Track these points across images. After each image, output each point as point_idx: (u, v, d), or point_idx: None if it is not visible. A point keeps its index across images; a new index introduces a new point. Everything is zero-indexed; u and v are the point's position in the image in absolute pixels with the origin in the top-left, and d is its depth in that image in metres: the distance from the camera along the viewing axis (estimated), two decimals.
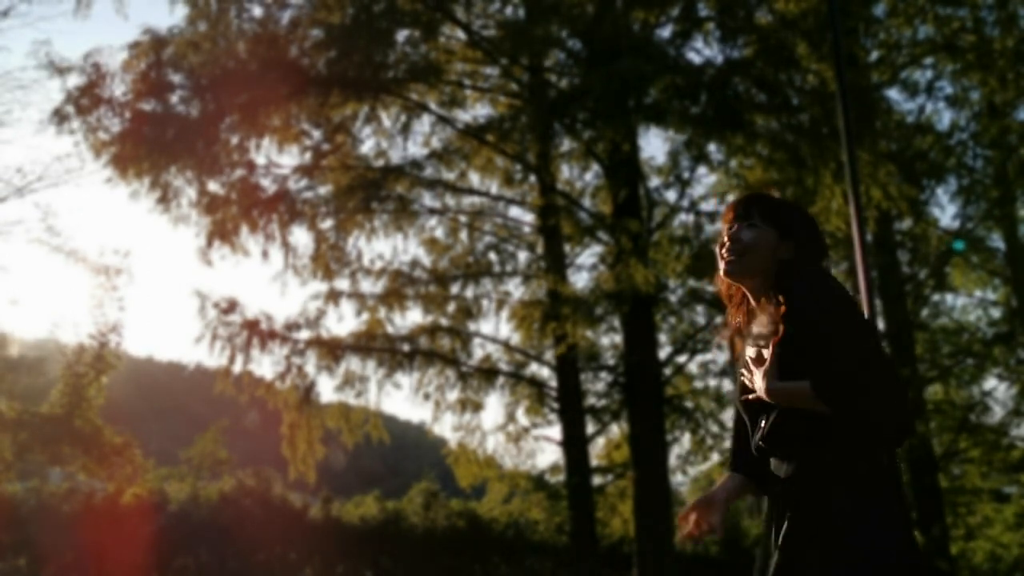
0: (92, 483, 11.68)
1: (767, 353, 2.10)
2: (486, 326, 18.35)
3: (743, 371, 2.23)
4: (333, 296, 12.37)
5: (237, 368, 11.81)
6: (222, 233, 11.59)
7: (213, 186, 11.72)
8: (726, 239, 2.26)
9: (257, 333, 11.86)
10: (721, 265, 2.26)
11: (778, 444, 2.12)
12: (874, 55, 14.97)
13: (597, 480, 13.80)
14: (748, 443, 2.24)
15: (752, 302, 2.28)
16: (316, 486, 13.17)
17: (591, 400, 13.73)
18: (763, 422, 2.15)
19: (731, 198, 2.39)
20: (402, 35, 11.80)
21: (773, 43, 11.04)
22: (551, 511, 14.81)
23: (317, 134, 12.42)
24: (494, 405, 64.11)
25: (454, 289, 13.03)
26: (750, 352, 2.20)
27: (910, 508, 2.03)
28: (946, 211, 39.75)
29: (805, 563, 2.02)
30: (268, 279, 12.75)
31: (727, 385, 13.89)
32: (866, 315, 2.13)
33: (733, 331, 2.35)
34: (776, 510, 2.13)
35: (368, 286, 12.57)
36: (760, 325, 2.20)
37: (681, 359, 13.29)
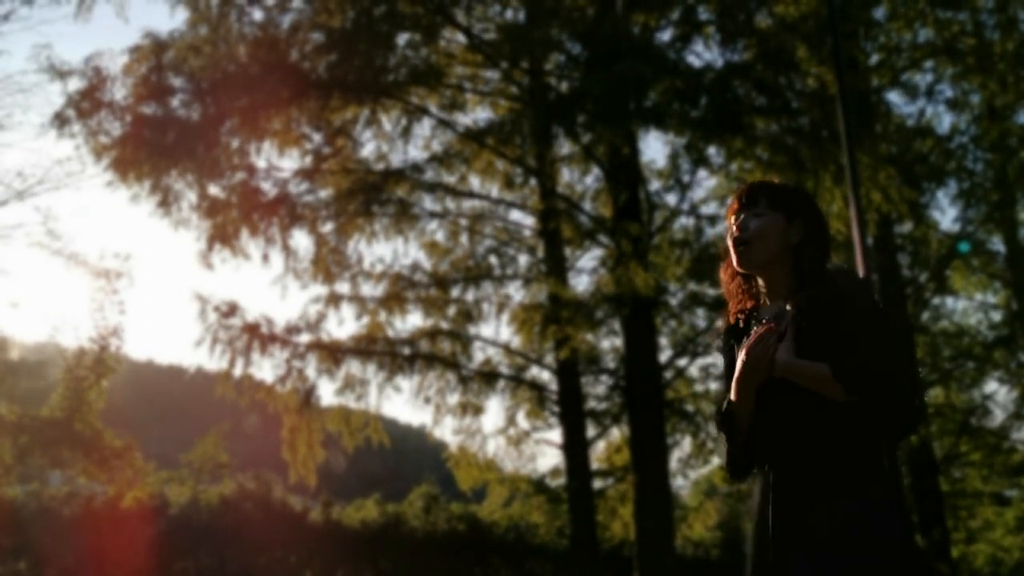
0: (92, 487, 11.69)
1: (785, 330, 2.07)
2: (486, 329, 18.38)
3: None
4: (333, 299, 12.37)
5: (237, 371, 11.80)
6: (222, 236, 11.59)
7: (214, 190, 11.73)
8: (735, 230, 2.23)
9: (257, 336, 11.85)
10: (734, 257, 2.23)
11: (783, 435, 2.09)
12: (874, 58, 14.96)
13: (598, 483, 13.77)
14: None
15: (763, 290, 2.26)
16: (316, 489, 13.16)
17: (592, 403, 13.70)
18: (768, 408, 2.10)
19: (731, 199, 2.34)
20: (402, 39, 11.81)
21: (773, 46, 11.04)
22: (551, 514, 14.78)
23: (317, 138, 12.43)
24: (495, 408, 64.07)
25: (454, 292, 13.03)
26: (758, 331, 2.15)
27: (910, 512, 2.02)
28: (946, 214, 39.70)
29: (803, 564, 2.00)
30: (268, 283, 12.80)
31: None
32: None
33: (726, 326, 2.33)
34: (775, 501, 2.10)
35: (368, 289, 12.57)
36: (776, 307, 2.19)
37: (682, 362, 13.27)
